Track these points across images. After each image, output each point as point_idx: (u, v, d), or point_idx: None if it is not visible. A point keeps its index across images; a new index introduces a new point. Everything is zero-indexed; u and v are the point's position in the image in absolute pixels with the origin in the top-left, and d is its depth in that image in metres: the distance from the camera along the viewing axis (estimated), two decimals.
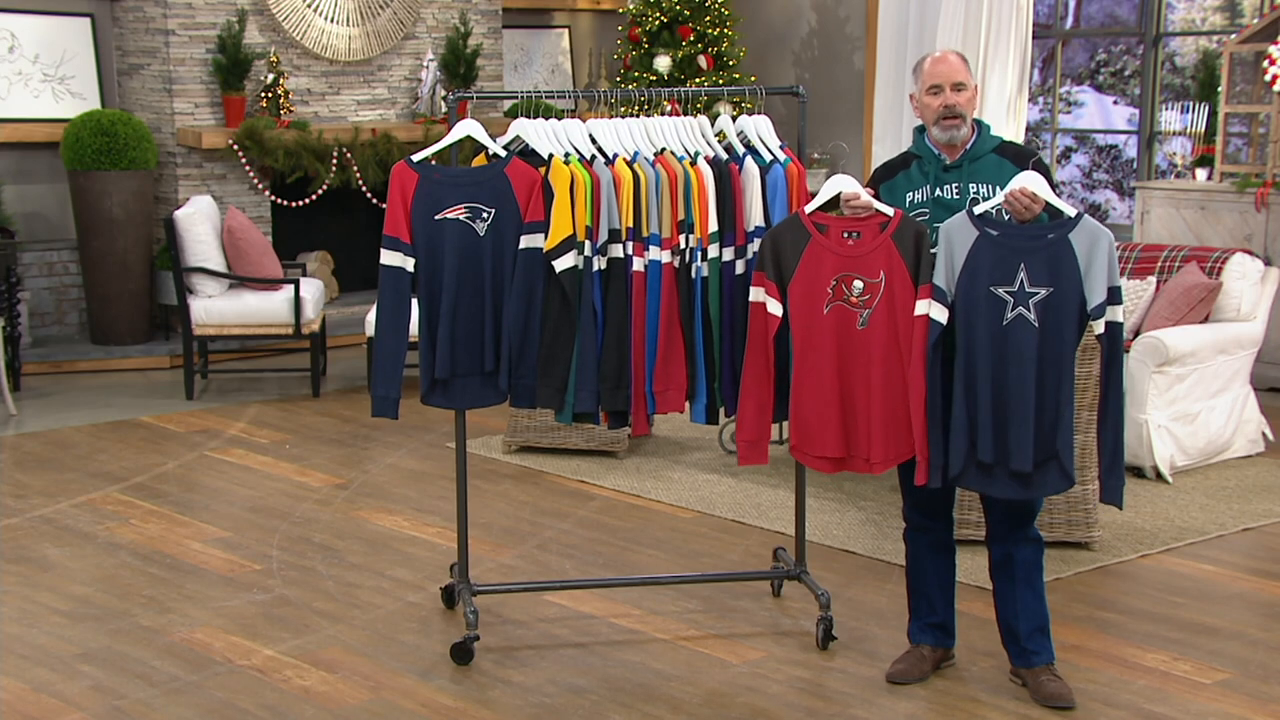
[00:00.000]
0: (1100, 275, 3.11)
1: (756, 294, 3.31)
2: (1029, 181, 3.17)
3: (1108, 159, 9.61)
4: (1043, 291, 3.11)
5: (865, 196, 3.30)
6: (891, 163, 3.48)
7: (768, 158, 3.57)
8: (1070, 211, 3.17)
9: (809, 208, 3.35)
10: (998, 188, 3.30)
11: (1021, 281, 3.12)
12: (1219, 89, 6.71)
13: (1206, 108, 6.78)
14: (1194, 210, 6.60)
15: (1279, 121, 6.41)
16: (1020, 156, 3.36)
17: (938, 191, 3.37)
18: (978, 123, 3.42)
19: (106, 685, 3.40)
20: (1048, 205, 3.19)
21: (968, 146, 3.37)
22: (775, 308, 3.30)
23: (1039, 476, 3.19)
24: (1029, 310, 3.12)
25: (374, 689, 3.40)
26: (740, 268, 3.51)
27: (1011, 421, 3.15)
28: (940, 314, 3.18)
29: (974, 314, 3.15)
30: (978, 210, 3.21)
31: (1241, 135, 6.73)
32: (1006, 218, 3.23)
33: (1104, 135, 9.45)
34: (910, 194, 3.39)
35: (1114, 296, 3.13)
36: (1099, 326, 3.14)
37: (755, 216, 3.50)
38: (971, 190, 3.35)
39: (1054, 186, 3.28)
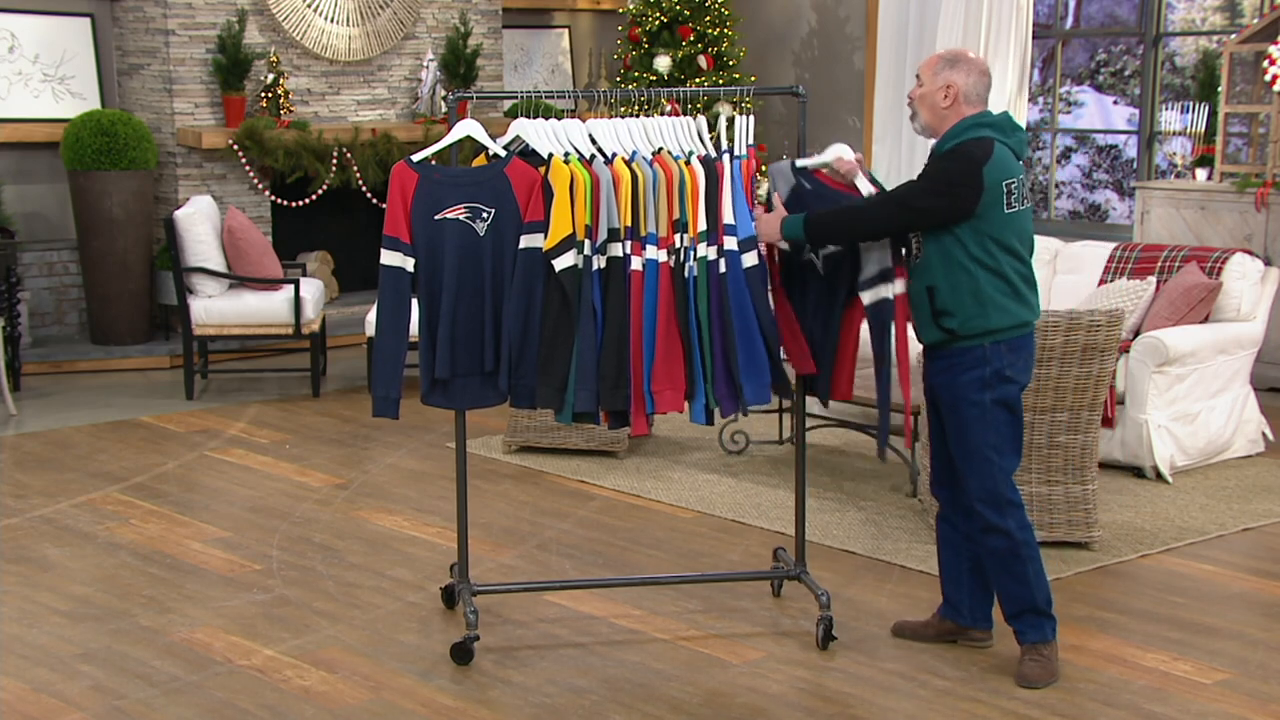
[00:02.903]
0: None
1: None
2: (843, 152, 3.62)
3: (1108, 159, 9.61)
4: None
5: (852, 164, 3.59)
6: None
7: (742, 152, 3.57)
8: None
9: (806, 163, 3.61)
10: None
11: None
12: (1219, 89, 6.71)
13: (1206, 108, 6.78)
14: (1194, 210, 6.60)
15: (1279, 121, 6.41)
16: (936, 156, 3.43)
17: None
18: (965, 123, 3.39)
19: (106, 685, 3.41)
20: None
21: (934, 145, 3.48)
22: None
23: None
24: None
25: (374, 689, 3.40)
26: (722, 266, 3.51)
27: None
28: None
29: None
30: (800, 162, 3.63)
31: (1241, 135, 6.73)
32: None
33: (1104, 135, 9.45)
34: None
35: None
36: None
37: (727, 213, 3.51)
38: None
39: (931, 172, 3.41)
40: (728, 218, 3.49)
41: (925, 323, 3.44)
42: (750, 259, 3.49)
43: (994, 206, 3.34)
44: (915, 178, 3.43)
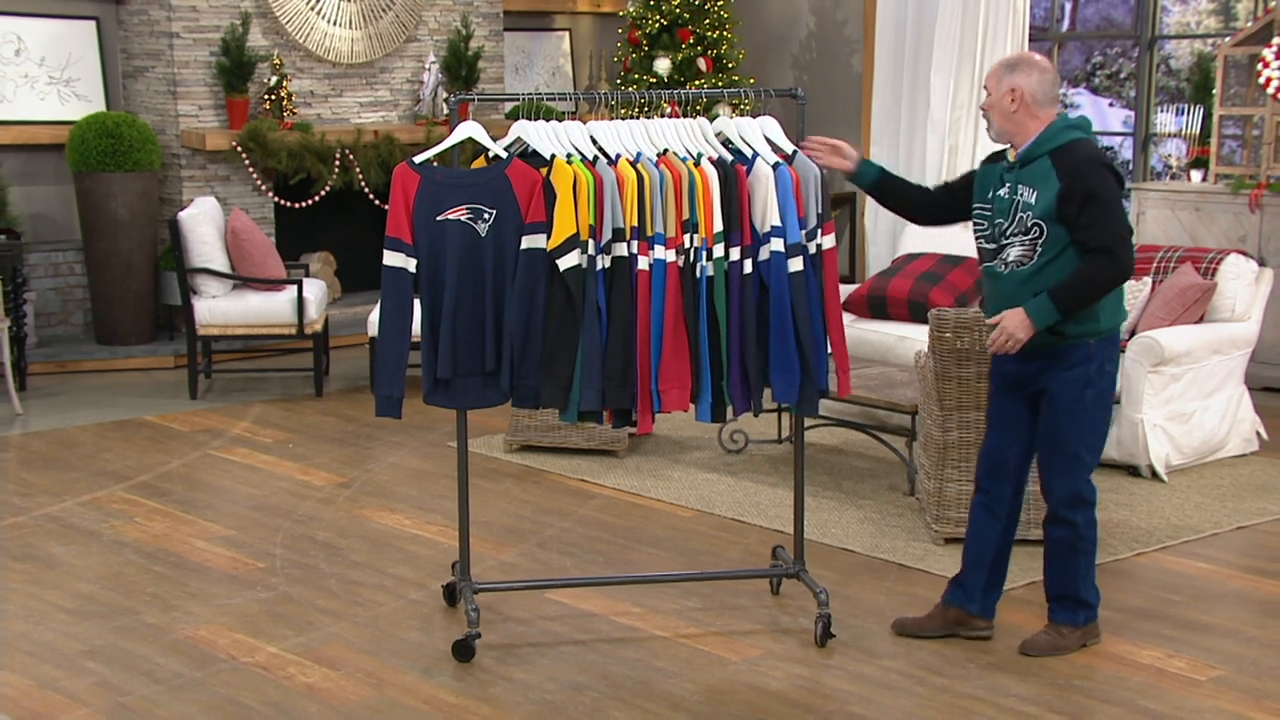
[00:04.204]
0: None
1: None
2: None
3: None
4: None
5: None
6: (995, 153, 3.60)
7: (771, 159, 3.58)
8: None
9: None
10: (1038, 193, 3.40)
11: None
12: (1213, 91, 6.75)
13: (1201, 110, 6.82)
14: (1189, 211, 6.63)
15: (1272, 123, 6.44)
16: (1063, 163, 3.39)
17: (1000, 190, 3.51)
18: (1057, 125, 3.44)
19: (111, 682, 3.43)
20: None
21: (1022, 149, 3.46)
22: None
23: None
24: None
25: (376, 686, 3.43)
26: (748, 267, 3.52)
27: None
28: None
29: None
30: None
31: (1235, 137, 6.76)
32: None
33: (1100, 137, 9.46)
34: (990, 189, 3.54)
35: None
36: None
37: (771, 216, 3.51)
38: (1019, 192, 3.45)
39: (1092, 205, 3.37)
40: (774, 220, 3.50)
41: None
42: (796, 264, 3.50)
43: None
44: (1087, 213, 3.36)
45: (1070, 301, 3.39)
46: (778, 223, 3.50)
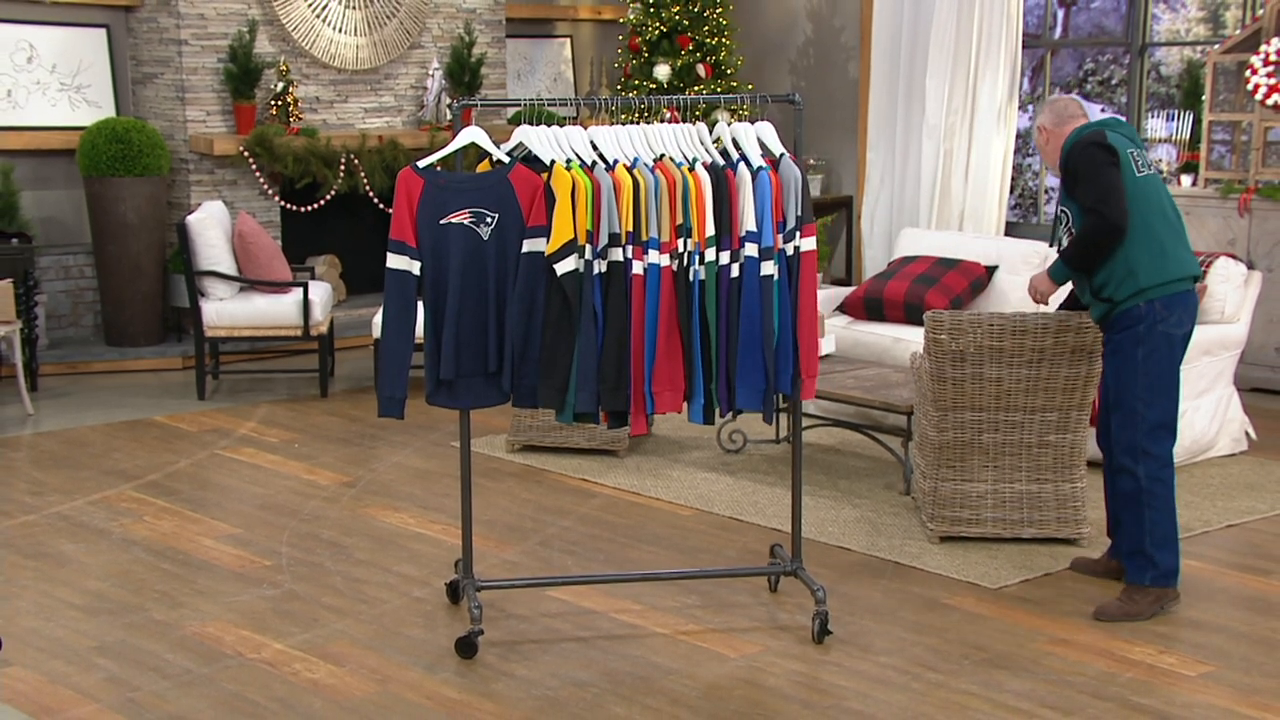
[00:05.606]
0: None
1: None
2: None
3: None
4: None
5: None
6: None
7: (756, 164, 3.61)
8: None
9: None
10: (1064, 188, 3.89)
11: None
12: (1203, 98, 6.79)
13: (1191, 116, 6.87)
14: None
15: (1260, 129, 6.49)
16: (1066, 156, 3.84)
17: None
18: (1073, 134, 3.86)
19: (121, 677, 3.47)
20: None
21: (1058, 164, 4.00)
22: None
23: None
24: None
25: (381, 682, 3.46)
26: (735, 271, 3.56)
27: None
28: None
29: None
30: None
31: (1224, 142, 6.79)
32: None
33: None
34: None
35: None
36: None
37: (748, 220, 3.56)
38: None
39: (1081, 177, 3.78)
40: (750, 225, 3.53)
41: (1091, 302, 3.89)
42: (768, 268, 3.54)
43: (1126, 174, 3.74)
44: (1079, 186, 3.78)
45: (1073, 258, 3.82)
46: (752, 227, 3.54)
